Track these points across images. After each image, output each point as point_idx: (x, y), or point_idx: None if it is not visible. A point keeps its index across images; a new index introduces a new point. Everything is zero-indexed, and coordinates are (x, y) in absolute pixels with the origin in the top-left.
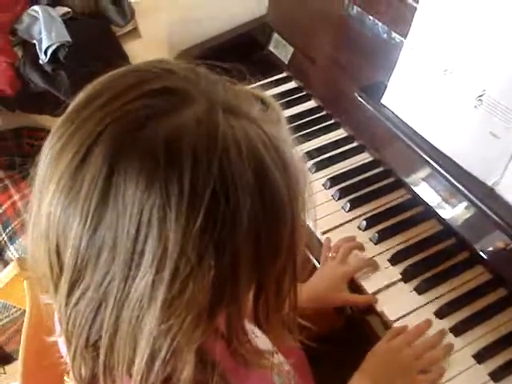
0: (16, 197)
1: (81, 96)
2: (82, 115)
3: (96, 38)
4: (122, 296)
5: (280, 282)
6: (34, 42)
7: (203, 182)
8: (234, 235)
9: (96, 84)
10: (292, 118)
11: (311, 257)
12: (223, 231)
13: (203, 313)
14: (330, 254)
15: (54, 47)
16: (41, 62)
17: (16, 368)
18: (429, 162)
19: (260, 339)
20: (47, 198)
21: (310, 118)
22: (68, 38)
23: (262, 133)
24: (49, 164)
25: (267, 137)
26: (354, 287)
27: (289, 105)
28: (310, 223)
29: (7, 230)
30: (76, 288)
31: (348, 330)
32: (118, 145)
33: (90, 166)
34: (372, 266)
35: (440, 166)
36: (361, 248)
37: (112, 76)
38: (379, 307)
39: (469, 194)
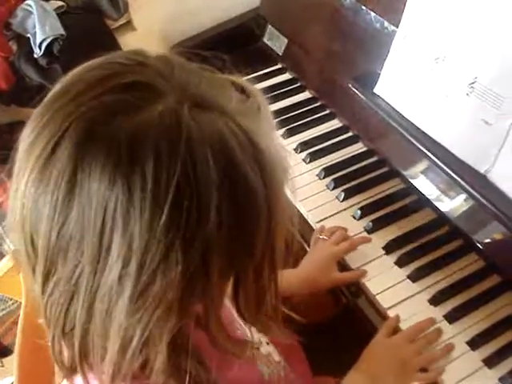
0: None
1: (56, 88)
2: (54, 107)
3: (90, 31)
4: (92, 288)
5: (258, 275)
6: (29, 36)
7: (166, 179)
8: (202, 231)
9: (71, 75)
10: (287, 109)
11: (305, 246)
12: (189, 227)
13: (173, 306)
14: (322, 237)
15: (48, 41)
16: (35, 55)
17: (13, 361)
18: (422, 151)
19: (245, 329)
20: (20, 189)
21: (304, 109)
22: (62, 32)
23: (235, 126)
24: (22, 156)
25: (241, 130)
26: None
27: (283, 96)
28: (303, 212)
29: (3, 223)
30: (50, 278)
31: (344, 319)
32: (83, 139)
33: (57, 160)
34: (364, 242)
35: (433, 155)
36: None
37: (86, 68)
38: (372, 296)
39: (462, 182)
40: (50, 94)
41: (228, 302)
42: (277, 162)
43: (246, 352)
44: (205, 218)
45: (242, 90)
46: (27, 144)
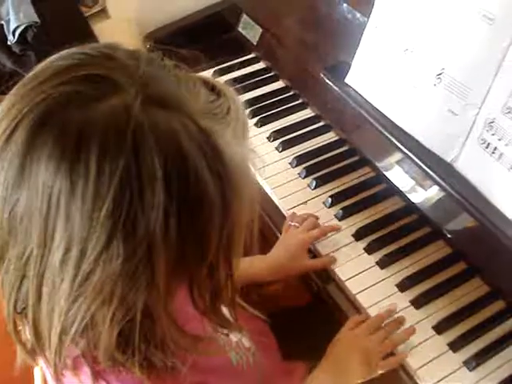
0: None
1: (29, 74)
2: (20, 93)
3: (64, 18)
4: (39, 270)
5: (213, 273)
6: (2, 22)
7: (109, 171)
8: (145, 225)
9: (42, 63)
10: (260, 98)
11: (277, 233)
12: (131, 220)
13: (114, 297)
14: (293, 223)
15: (22, 28)
16: (9, 42)
17: None
18: (391, 140)
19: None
20: None
21: (277, 98)
22: (36, 19)
23: (193, 126)
24: None
25: (200, 130)
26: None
27: (257, 85)
28: (275, 199)
29: None
30: (4, 257)
31: (315, 305)
32: (36, 126)
33: (13, 143)
34: (334, 230)
35: (402, 144)
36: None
37: (56, 56)
38: (342, 282)
39: (429, 171)
40: (21, 81)
41: None
42: (239, 164)
43: (199, 347)
44: (149, 214)
45: (213, 91)
46: None
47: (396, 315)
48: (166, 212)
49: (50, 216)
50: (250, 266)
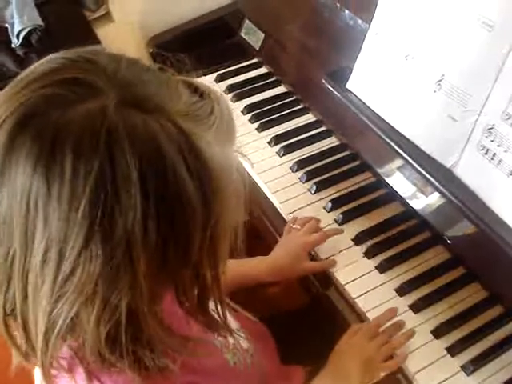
0: None
1: (21, 74)
2: (6, 95)
3: (68, 22)
4: (23, 271)
5: (198, 275)
6: (6, 25)
7: (84, 173)
8: (122, 226)
9: (28, 68)
10: (262, 103)
11: (277, 237)
12: (107, 221)
13: (96, 298)
14: (295, 226)
15: (26, 31)
16: (13, 45)
17: None
18: (392, 146)
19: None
20: None
21: (279, 103)
22: (40, 22)
23: (173, 127)
24: None
25: (180, 132)
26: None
27: (259, 90)
28: (276, 204)
29: None
30: None
31: (315, 309)
32: (16, 128)
33: None
34: (336, 234)
35: (402, 150)
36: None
37: (44, 60)
38: (341, 285)
39: (429, 177)
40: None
41: None
42: (221, 166)
43: (188, 348)
44: (126, 215)
45: (195, 93)
46: None
47: (395, 319)
48: (144, 213)
49: (30, 217)
50: (250, 266)
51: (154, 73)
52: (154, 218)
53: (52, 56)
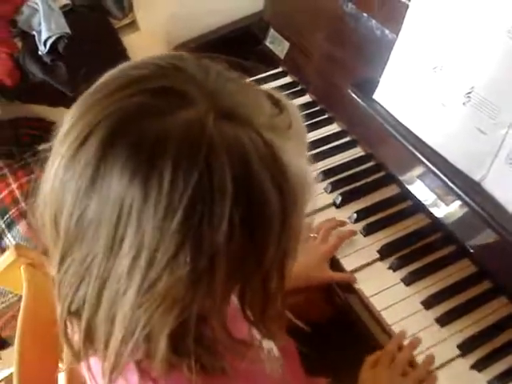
0: (14, 185)
1: (97, 82)
2: (90, 102)
3: (95, 30)
4: (102, 275)
5: (266, 283)
6: (34, 33)
7: (183, 185)
8: (213, 237)
9: (112, 72)
10: None
11: None
12: (200, 232)
13: (177, 303)
14: (312, 235)
15: (53, 38)
16: (40, 53)
17: (11, 354)
18: (418, 157)
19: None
20: (53, 170)
21: (304, 113)
22: (67, 30)
23: (259, 140)
24: (57, 142)
25: (265, 144)
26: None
27: None
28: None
29: (5, 218)
30: (66, 258)
31: (338, 321)
32: (110, 137)
33: (85, 152)
34: (351, 236)
35: (429, 161)
36: (341, 225)
37: (128, 65)
38: (366, 298)
39: (456, 189)
40: (90, 88)
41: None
42: (299, 180)
43: (248, 352)
44: (217, 226)
45: (276, 105)
46: (62, 134)
47: (421, 332)
48: (230, 223)
49: (120, 224)
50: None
51: (239, 82)
52: (239, 229)
53: (137, 61)
